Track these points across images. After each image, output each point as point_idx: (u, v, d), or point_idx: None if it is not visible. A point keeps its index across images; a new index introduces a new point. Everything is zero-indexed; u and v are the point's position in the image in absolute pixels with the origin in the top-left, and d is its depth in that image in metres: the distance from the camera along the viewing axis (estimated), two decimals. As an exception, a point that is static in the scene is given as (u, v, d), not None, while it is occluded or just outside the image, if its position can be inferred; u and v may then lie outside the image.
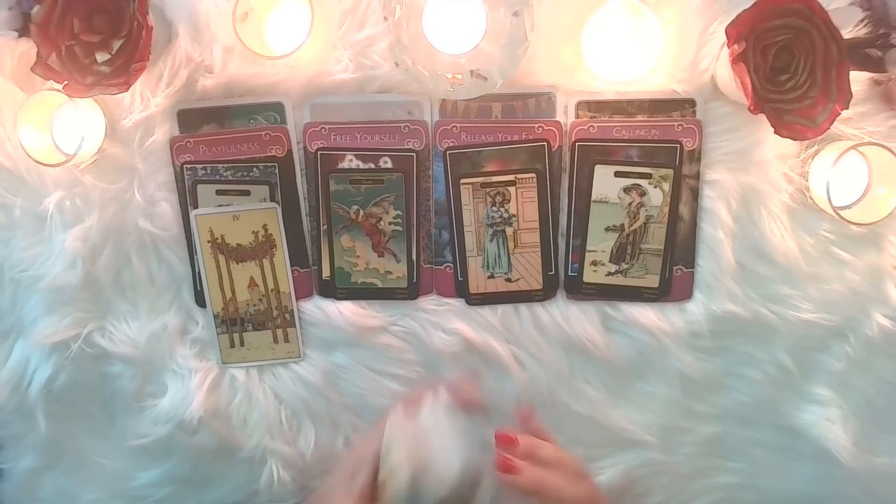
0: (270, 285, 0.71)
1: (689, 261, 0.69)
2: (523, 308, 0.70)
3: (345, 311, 0.70)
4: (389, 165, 0.69)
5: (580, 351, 0.70)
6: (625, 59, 0.64)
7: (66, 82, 0.63)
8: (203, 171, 0.69)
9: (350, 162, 0.69)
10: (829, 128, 0.60)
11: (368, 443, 0.61)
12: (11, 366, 0.73)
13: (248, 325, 0.72)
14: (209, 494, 0.74)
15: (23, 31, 0.67)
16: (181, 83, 0.68)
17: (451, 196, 0.69)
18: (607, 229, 0.68)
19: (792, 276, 0.68)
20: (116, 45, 0.63)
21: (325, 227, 0.70)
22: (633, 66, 0.64)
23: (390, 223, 0.70)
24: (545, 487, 0.56)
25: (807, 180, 0.67)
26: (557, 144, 0.68)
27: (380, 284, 0.71)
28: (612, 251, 0.69)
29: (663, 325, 0.69)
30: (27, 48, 0.67)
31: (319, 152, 0.69)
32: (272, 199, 0.69)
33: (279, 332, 0.71)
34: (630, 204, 0.68)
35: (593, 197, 0.68)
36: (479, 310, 0.70)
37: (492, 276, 0.70)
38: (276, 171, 0.69)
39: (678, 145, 0.67)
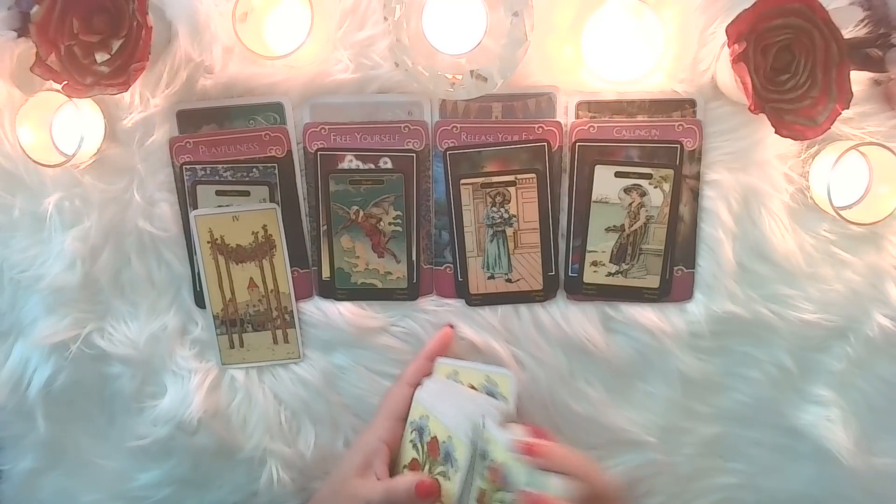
0: (270, 286, 0.71)
1: (690, 261, 0.69)
2: (523, 308, 0.70)
3: (345, 311, 0.70)
4: (389, 166, 0.69)
5: (580, 351, 0.70)
6: (625, 59, 0.64)
7: (65, 82, 0.62)
8: (203, 172, 0.69)
9: (350, 162, 0.69)
10: (829, 128, 0.60)
11: (373, 430, 0.62)
12: (11, 366, 0.73)
13: (247, 326, 0.71)
14: (209, 495, 0.74)
15: (22, 31, 0.67)
16: (181, 83, 0.67)
17: (451, 196, 0.69)
18: (607, 230, 0.68)
19: (792, 276, 0.68)
20: (116, 45, 0.62)
21: (325, 227, 0.70)
22: (633, 66, 0.64)
23: (390, 224, 0.70)
24: None
25: (807, 180, 0.67)
26: (557, 145, 0.68)
27: (380, 285, 0.71)
28: (612, 251, 0.69)
29: (664, 326, 0.69)
30: (26, 48, 0.67)
31: (319, 153, 0.69)
32: (272, 200, 0.69)
33: (279, 332, 0.71)
34: (630, 204, 0.68)
35: (593, 197, 0.68)
36: (480, 310, 0.70)
37: (492, 277, 0.70)
38: (276, 171, 0.69)
39: (678, 145, 0.67)
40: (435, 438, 0.60)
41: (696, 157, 0.67)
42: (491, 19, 0.61)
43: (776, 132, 0.60)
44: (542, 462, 0.55)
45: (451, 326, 0.69)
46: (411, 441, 0.61)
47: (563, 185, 0.69)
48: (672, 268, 0.69)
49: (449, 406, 0.60)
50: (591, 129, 0.67)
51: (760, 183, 0.67)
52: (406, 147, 0.69)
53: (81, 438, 0.75)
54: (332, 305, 0.71)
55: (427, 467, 0.60)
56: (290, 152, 0.69)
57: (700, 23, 0.65)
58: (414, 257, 0.70)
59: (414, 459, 0.60)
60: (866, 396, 0.70)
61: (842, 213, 0.63)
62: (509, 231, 0.69)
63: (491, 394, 0.62)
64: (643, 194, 0.68)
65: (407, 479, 0.58)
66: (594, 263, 0.69)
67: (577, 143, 0.68)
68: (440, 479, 0.58)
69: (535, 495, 0.53)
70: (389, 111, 0.68)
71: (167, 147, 0.69)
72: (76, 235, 0.69)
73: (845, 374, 0.70)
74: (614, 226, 0.68)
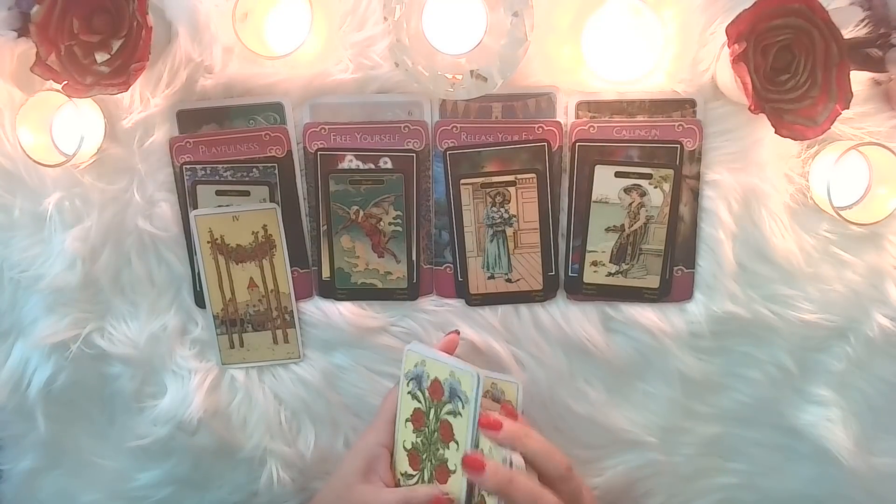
0: (270, 286, 0.71)
1: (690, 261, 0.69)
2: (523, 308, 0.70)
3: (345, 311, 0.70)
4: (389, 166, 0.69)
5: (580, 351, 0.70)
6: (625, 59, 0.64)
7: (65, 82, 0.62)
8: (203, 172, 0.69)
9: (350, 162, 0.69)
10: (829, 128, 0.60)
11: (374, 433, 0.62)
12: (11, 366, 0.73)
13: (247, 326, 0.71)
14: (209, 495, 0.74)
15: (22, 31, 0.67)
16: (181, 83, 0.67)
17: (451, 196, 0.69)
18: (607, 230, 0.68)
19: (792, 276, 0.68)
20: (116, 45, 0.62)
21: (325, 227, 0.70)
22: (633, 66, 0.64)
23: (390, 223, 0.70)
24: (512, 494, 0.54)
25: (807, 180, 0.66)
26: (557, 145, 0.68)
27: (380, 285, 0.71)
28: (612, 251, 0.69)
29: (664, 326, 0.69)
30: (26, 48, 0.67)
31: (319, 153, 0.69)
32: (272, 200, 0.69)
33: (279, 332, 0.71)
34: (630, 204, 0.68)
35: (593, 197, 0.68)
36: (480, 310, 0.70)
37: (492, 277, 0.70)
38: (276, 171, 0.69)
39: (678, 145, 0.67)
40: (436, 380, 0.60)
41: (696, 157, 0.67)
42: (491, 19, 0.61)
43: (776, 132, 0.60)
44: (507, 441, 0.56)
45: (457, 333, 0.69)
46: (409, 393, 0.61)
47: (563, 185, 0.69)
48: (672, 268, 0.69)
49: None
50: (591, 129, 0.67)
51: (760, 183, 0.67)
52: (406, 147, 0.69)
53: (81, 438, 0.75)
54: (332, 305, 0.71)
55: (432, 413, 0.60)
56: (290, 152, 0.69)
57: (700, 23, 0.65)
58: (414, 257, 0.70)
59: (417, 410, 0.61)
60: (866, 396, 0.70)
61: (842, 213, 0.63)
62: (509, 231, 0.69)
63: (496, 399, 0.62)
64: (643, 194, 0.68)
65: (425, 489, 0.58)
66: (594, 263, 0.69)
67: (577, 143, 0.68)
68: (449, 417, 0.59)
69: (497, 467, 0.54)
70: (389, 111, 0.68)
71: (167, 147, 0.69)
72: (76, 235, 0.69)
73: (845, 374, 0.70)
74: (614, 226, 0.68)
